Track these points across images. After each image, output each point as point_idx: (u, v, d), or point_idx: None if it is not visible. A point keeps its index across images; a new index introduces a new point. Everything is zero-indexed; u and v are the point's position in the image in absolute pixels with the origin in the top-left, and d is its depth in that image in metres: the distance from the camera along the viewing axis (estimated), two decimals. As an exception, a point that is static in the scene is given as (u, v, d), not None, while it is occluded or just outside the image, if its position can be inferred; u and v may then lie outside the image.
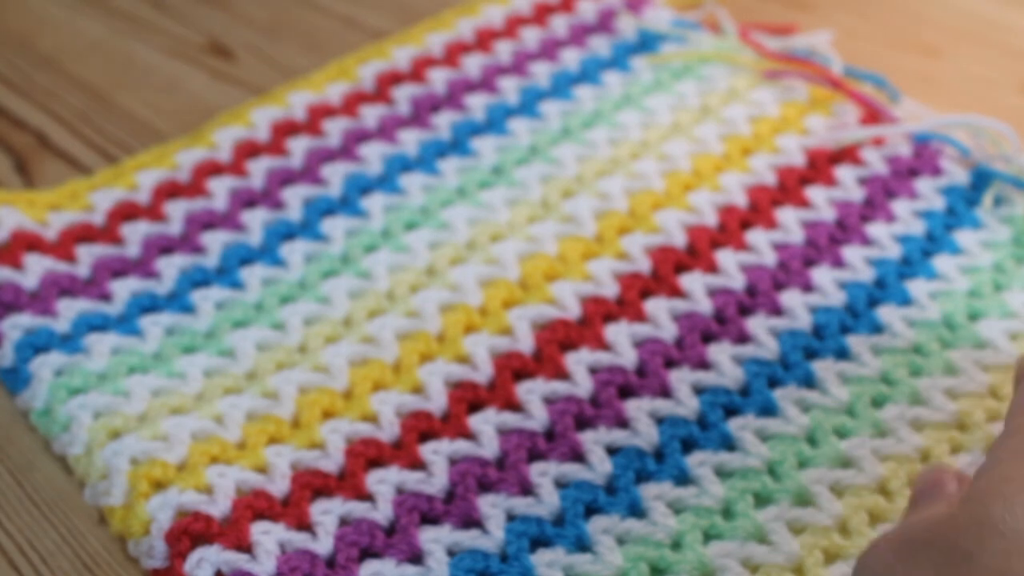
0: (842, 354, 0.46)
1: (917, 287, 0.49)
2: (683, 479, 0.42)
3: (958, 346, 0.46)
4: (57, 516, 0.43)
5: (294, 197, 0.54)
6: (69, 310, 0.49)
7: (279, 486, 0.42)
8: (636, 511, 0.41)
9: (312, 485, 0.42)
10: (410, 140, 0.57)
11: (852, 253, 0.50)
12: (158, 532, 0.40)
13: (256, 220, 0.53)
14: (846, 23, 0.68)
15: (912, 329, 0.47)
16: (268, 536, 0.40)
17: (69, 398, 0.45)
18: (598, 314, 0.48)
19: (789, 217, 0.52)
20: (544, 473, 0.42)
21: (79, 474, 0.43)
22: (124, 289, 0.50)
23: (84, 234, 0.52)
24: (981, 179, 0.54)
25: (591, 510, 0.41)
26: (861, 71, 0.61)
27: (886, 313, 0.48)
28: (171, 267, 0.51)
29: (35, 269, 0.50)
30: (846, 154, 0.56)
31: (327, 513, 0.41)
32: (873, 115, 0.58)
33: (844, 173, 0.55)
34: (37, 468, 0.45)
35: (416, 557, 0.40)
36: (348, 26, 0.68)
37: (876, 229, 0.52)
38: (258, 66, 0.64)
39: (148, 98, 0.62)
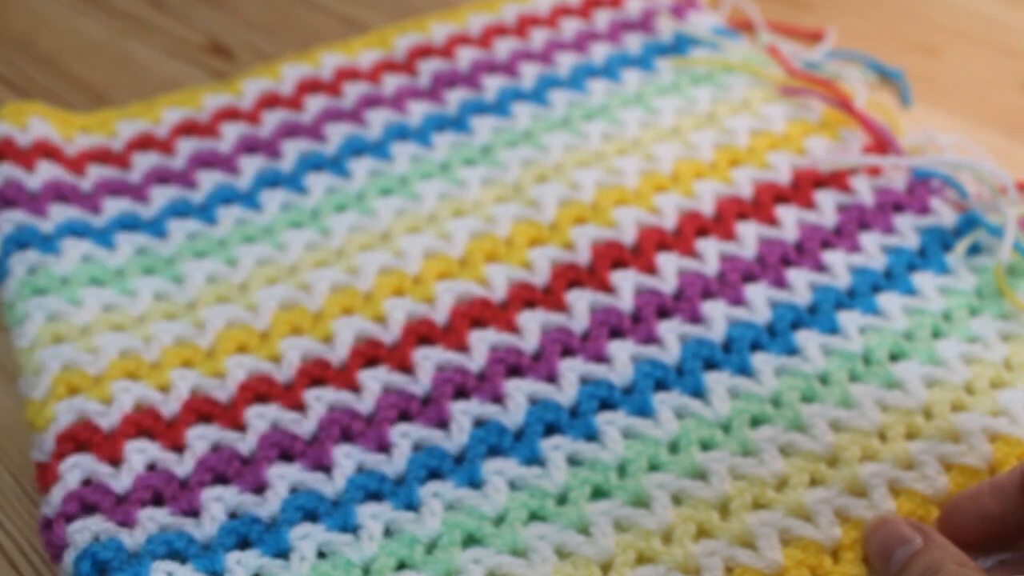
0: (743, 370, 0.46)
1: (849, 318, 0.48)
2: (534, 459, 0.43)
3: (866, 381, 0.45)
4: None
5: (292, 150, 0.57)
6: (59, 215, 0.52)
7: (171, 407, 0.45)
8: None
9: (199, 411, 0.45)
10: (417, 111, 0.59)
11: (797, 276, 0.49)
12: (54, 431, 0.43)
13: (251, 166, 0.56)
14: (846, 23, 0.67)
15: (826, 357, 0.46)
16: (140, 455, 0.43)
17: (32, 296, 0.49)
18: (519, 299, 0.49)
19: (749, 232, 0.52)
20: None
21: (20, 365, 0.47)
22: (114, 207, 0.54)
23: (99, 155, 0.57)
24: (969, 225, 0.52)
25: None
26: (883, 66, 0.60)
27: (804, 337, 0.47)
28: (161, 196, 0.54)
29: (43, 175, 0.54)
30: (834, 179, 0.54)
31: (201, 439, 0.44)
32: (881, 145, 0.56)
33: (824, 197, 0.53)
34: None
35: (260, 488, 0.42)
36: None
37: (833, 257, 0.50)
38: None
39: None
